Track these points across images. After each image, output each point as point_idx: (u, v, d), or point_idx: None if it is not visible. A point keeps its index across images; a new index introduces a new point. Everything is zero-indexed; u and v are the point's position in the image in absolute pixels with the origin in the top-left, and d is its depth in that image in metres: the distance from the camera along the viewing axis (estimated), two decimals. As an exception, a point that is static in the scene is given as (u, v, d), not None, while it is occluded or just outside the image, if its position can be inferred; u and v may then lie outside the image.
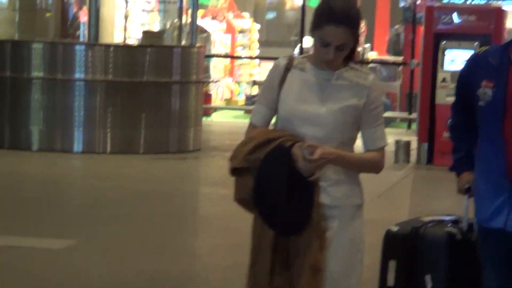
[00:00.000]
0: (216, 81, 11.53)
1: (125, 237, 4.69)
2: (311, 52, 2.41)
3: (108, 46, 8.98)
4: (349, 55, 2.30)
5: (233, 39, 12.96)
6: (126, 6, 12.54)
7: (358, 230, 2.32)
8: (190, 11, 10.58)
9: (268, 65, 11.59)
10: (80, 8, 13.27)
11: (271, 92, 2.34)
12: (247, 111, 11.20)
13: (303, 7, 11.79)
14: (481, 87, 2.40)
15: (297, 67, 2.34)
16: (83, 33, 12.37)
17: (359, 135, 2.32)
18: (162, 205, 5.70)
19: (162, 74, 8.18)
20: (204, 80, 9.47)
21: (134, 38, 12.28)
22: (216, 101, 11.92)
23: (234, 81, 12.79)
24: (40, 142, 8.18)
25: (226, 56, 12.61)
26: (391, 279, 2.67)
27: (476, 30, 8.37)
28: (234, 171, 2.23)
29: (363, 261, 2.33)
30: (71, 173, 7.71)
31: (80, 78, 8.14)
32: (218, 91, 12.06)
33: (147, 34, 10.75)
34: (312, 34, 2.24)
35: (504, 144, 2.37)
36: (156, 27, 12.77)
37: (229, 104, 12.36)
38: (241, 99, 12.61)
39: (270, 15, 18.40)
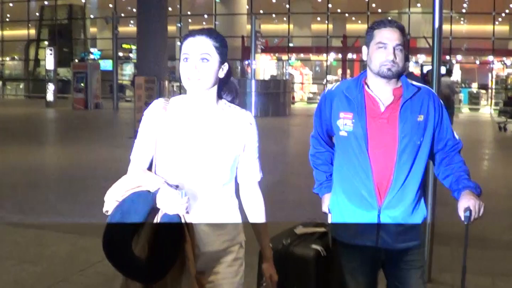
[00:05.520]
0: (294, 91, 26.57)
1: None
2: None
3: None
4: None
5: (303, 76, 29.06)
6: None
7: (239, 264, 2.09)
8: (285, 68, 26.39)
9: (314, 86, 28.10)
10: None
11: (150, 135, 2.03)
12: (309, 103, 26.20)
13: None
14: (340, 118, 2.16)
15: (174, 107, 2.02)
16: None
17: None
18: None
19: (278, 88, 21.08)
20: (291, 91, 23.69)
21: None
22: (296, 98, 27.43)
23: (302, 91, 28.82)
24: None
25: (298, 82, 28.56)
26: None
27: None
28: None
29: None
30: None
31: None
32: (296, 95, 27.78)
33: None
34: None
35: (371, 170, 2.13)
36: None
37: (301, 100, 28.06)
38: (305, 99, 28.37)
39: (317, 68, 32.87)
